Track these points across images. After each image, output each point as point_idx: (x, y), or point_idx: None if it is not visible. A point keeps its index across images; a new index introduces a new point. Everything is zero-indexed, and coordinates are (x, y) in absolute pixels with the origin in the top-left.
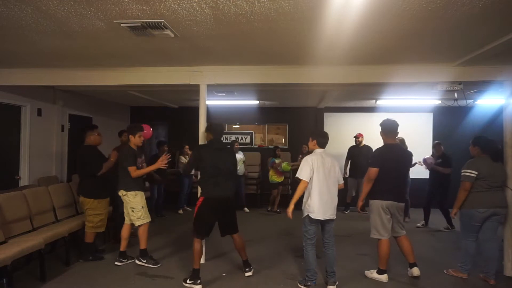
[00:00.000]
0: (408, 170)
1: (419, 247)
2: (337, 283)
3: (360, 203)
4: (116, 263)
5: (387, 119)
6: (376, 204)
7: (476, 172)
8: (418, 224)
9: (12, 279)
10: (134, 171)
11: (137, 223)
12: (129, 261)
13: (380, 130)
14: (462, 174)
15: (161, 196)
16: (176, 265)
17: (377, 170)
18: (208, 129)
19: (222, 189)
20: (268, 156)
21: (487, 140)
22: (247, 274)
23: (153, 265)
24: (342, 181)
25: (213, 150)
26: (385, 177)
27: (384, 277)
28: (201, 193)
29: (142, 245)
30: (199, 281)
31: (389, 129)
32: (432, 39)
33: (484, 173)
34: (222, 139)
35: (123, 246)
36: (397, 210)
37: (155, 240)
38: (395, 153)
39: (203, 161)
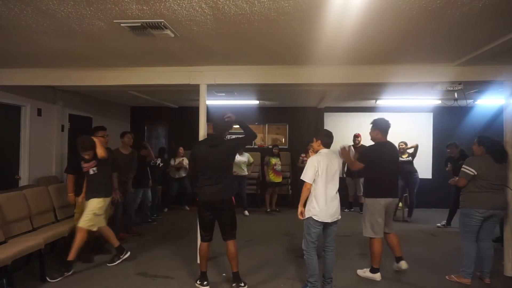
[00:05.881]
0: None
1: (419, 247)
2: None
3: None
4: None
5: (382, 118)
6: (372, 203)
7: (475, 171)
8: (439, 224)
9: (12, 279)
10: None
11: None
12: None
13: (374, 128)
14: (462, 170)
15: (154, 197)
16: (176, 265)
17: (361, 166)
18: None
19: (212, 191)
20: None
21: (493, 141)
22: None
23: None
24: None
25: (205, 147)
26: (380, 174)
27: (377, 276)
28: None
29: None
30: (198, 281)
31: (384, 128)
32: (432, 39)
33: (484, 172)
34: (220, 133)
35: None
36: (393, 205)
37: (155, 239)
38: (388, 149)
39: (196, 160)
